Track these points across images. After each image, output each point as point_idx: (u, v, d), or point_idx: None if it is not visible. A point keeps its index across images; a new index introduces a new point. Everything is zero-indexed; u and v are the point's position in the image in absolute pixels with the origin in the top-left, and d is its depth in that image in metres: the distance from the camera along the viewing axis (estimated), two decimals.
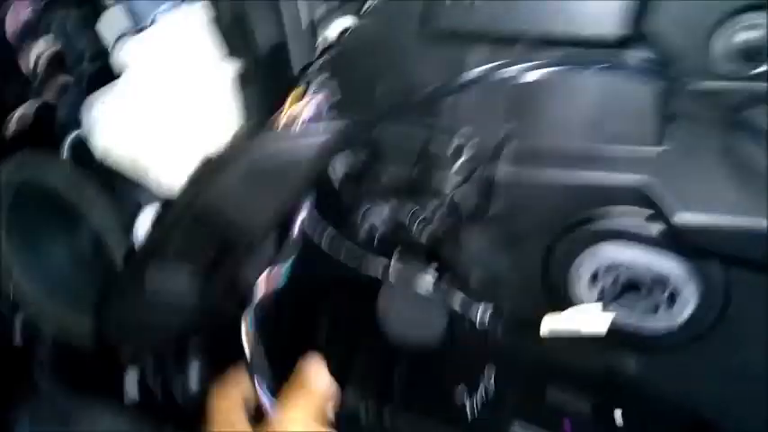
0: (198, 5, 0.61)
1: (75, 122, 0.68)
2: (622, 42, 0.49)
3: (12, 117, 0.67)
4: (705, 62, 0.50)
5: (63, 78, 0.67)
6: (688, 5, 0.49)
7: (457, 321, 0.60)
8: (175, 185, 0.65)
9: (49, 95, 0.67)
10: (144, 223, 0.67)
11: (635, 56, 0.50)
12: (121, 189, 0.68)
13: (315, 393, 0.60)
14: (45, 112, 0.69)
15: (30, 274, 0.76)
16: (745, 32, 0.48)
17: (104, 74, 0.65)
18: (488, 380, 0.70)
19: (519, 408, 0.69)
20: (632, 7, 0.48)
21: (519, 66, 0.49)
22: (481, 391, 0.70)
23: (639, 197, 0.51)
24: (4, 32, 0.64)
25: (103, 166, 0.68)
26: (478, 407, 0.68)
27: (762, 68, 0.48)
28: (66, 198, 0.68)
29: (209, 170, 0.56)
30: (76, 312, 0.75)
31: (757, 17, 0.47)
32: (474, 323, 0.61)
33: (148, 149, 0.65)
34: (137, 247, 0.66)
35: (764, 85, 0.48)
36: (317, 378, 0.61)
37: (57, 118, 0.69)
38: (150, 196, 0.69)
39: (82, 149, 0.68)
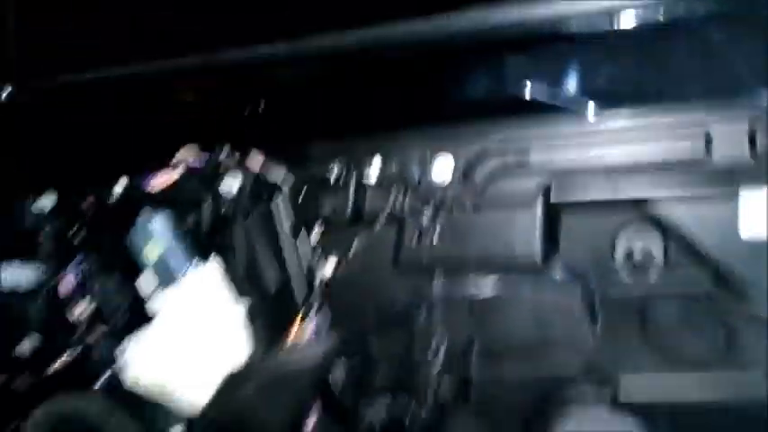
0: (213, 263, 0.77)
1: (109, 363, 0.81)
2: (544, 265, 0.66)
3: (56, 361, 0.80)
4: (612, 275, 0.66)
5: (100, 329, 0.81)
6: (588, 238, 0.66)
7: None
8: (198, 407, 0.76)
9: (90, 340, 0.81)
10: None
11: (559, 272, 0.66)
12: (149, 415, 0.79)
13: None
14: (85, 355, 0.81)
15: None
16: (634, 253, 0.65)
17: (133, 324, 0.79)
18: None
19: None
20: (545, 239, 0.65)
21: (469, 286, 0.65)
22: None
23: (587, 376, 0.66)
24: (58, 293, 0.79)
25: (133, 397, 0.79)
26: None
27: (655, 277, 0.64)
28: (98, 426, 0.78)
29: (232, 384, 0.66)
30: None
31: (640, 241, 0.65)
32: None
33: (174, 379, 0.77)
34: None
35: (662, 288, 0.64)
36: None
37: (93, 360, 0.81)
38: (174, 419, 0.80)
39: (114, 386, 0.80)
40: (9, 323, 0.78)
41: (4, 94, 0.79)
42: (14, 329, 0.80)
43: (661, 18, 0.55)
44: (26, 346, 0.82)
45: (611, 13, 0.55)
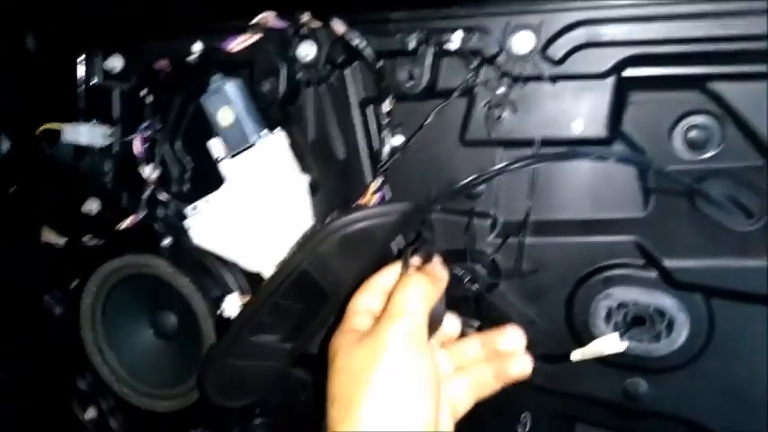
0: (280, 134, 0.79)
1: (174, 227, 0.84)
2: (607, 140, 0.70)
3: (122, 222, 0.83)
4: (668, 151, 0.70)
5: (167, 192, 0.84)
6: (650, 115, 0.70)
7: None
8: (261, 270, 0.81)
9: (156, 203, 0.84)
10: (231, 302, 0.81)
11: (617, 149, 0.70)
12: (210, 277, 0.83)
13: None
14: (151, 218, 0.84)
15: (118, 353, 0.88)
16: (692, 131, 0.69)
17: (200, 188, 0.82)
18: (524, 427, 0.82)
19: None
20: (611, 115, 0.69)
21: (531, 160, 0.69)
22: None
23: (635, 250, 0.70)
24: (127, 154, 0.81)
25: (195, 261, 0.83)
26: None
27: (708, 155, 0.69)
28: (160, 286, 0.81)
29: (311, 240, 0.69)
30: (158, 386, 0.86)
31: (699, 119, 0.69)
32: None
33: (235, 246, 0.81)
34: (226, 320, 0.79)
35: (713, 164, 0.69)
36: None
37: (158, 223, 0.84)
38: (234, 281, 0.84)
39: (178, 249, 0.83)
40: (77, 182, 0.80)
41: None
42: (82, 189, 0.82)
43: None
44: (93, 205, 0.85)
45: None
